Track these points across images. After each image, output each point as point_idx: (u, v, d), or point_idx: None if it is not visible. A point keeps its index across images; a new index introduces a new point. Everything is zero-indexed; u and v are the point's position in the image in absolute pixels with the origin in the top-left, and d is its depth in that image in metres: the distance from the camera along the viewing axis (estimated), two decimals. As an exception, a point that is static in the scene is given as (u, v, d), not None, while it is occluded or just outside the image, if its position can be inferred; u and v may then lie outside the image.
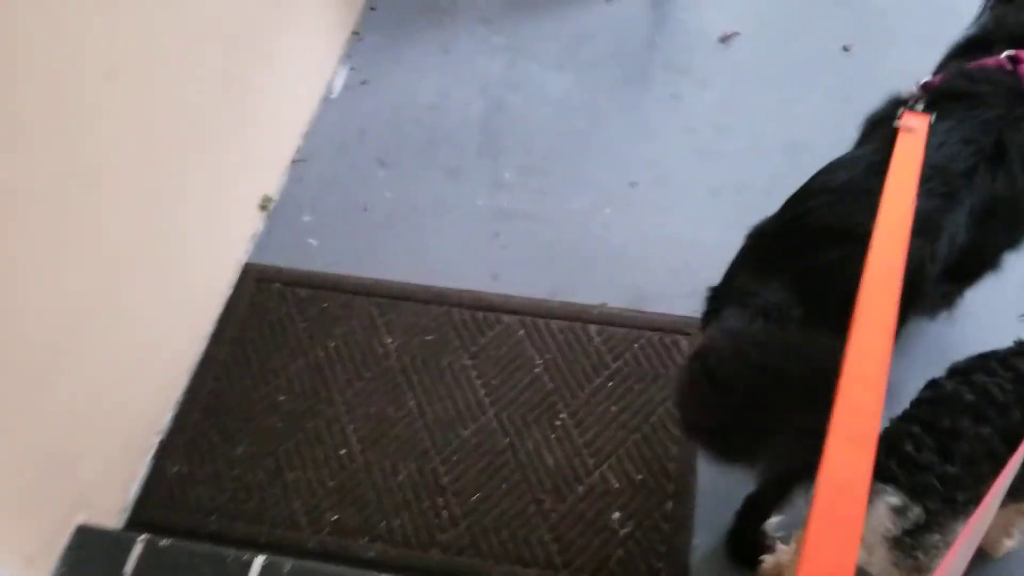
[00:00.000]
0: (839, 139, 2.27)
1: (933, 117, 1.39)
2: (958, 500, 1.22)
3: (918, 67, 2.45)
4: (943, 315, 1.93)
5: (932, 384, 1.35)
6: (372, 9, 2.83)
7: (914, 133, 1.36)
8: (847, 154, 1.51)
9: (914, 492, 1.21)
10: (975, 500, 1.23)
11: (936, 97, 1.46)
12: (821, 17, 2.70)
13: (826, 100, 2.46)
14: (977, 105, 1.42)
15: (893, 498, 1.20)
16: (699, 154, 2.36)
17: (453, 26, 2.76)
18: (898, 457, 1.22)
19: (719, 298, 1.40)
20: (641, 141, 2.40)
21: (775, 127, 2.42)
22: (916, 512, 1.20)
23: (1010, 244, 1.58)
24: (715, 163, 2.34)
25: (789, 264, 1.29)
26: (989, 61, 1.51)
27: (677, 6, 2.74)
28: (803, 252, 1.29)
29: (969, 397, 1.26)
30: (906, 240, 1.16)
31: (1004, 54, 1.49)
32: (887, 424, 1.30)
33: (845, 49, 2.59)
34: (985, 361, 1.37)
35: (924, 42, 2.51)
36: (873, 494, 1.19)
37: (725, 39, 2.63)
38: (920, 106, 1.43)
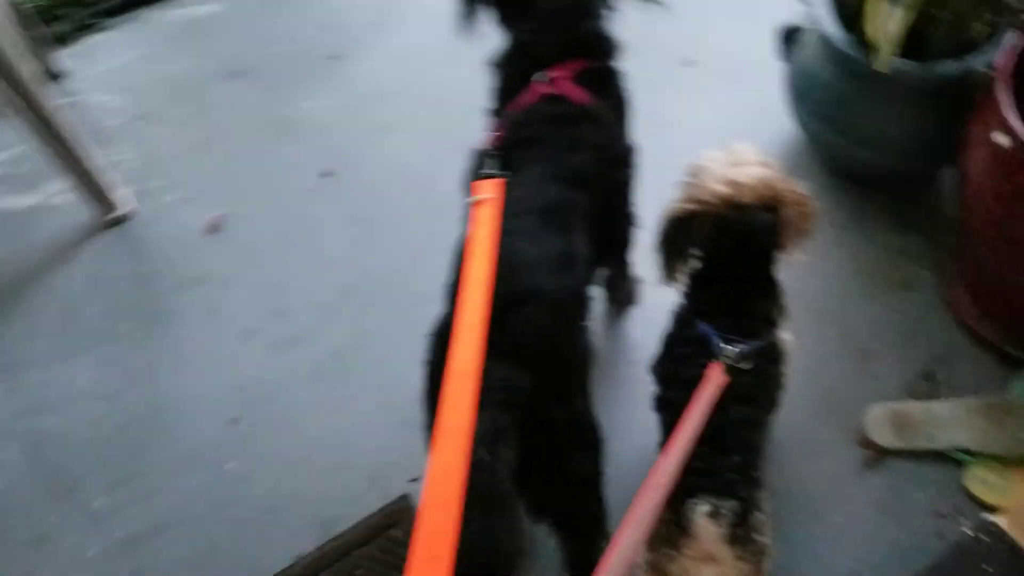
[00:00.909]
0: (383, 265, 2.25)
1: (507, 177, 1.47)
2: (754, 476, 1.40)
3: (401, 165, 2.51)
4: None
5: (666, 402, 1.52)
6: None
7: (486, 205, 1.42)
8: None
9: (720, 492, 1.33)
10: (762, 464, 1.44)
11: (504, 150, 1.54)
12: (281, 156, 2.59)
13: (343, 233, 2.39)
14: (536, 145, 1.52)
15: (704, 506, 1.31)
16: (273, 348, 2.16)
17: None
18: (694, 473, 1.32)
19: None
20: (209, 373, 2.13)
21: (313, 285, 2.29)
22: (730, 504, 1.32)
23: (623, 227, 1.82)
24: (294, 350, 2.15)
25: (492, 341, 1.26)
26: (526, 98, 1.59)
27: (141, 226, 2.45)
28: (496, 325, 1.28)
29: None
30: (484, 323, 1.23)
31: (540, 80, 1.58)
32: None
33: (325, 175, 2.53)
34: (673, 351, 1.55)
35: (376, 131, 2.60)
36: (689, 511, 1.31)
37: (214, 228, 2.42)
38: (493, 168, 1.50)
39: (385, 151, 2.58)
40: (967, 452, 1.81)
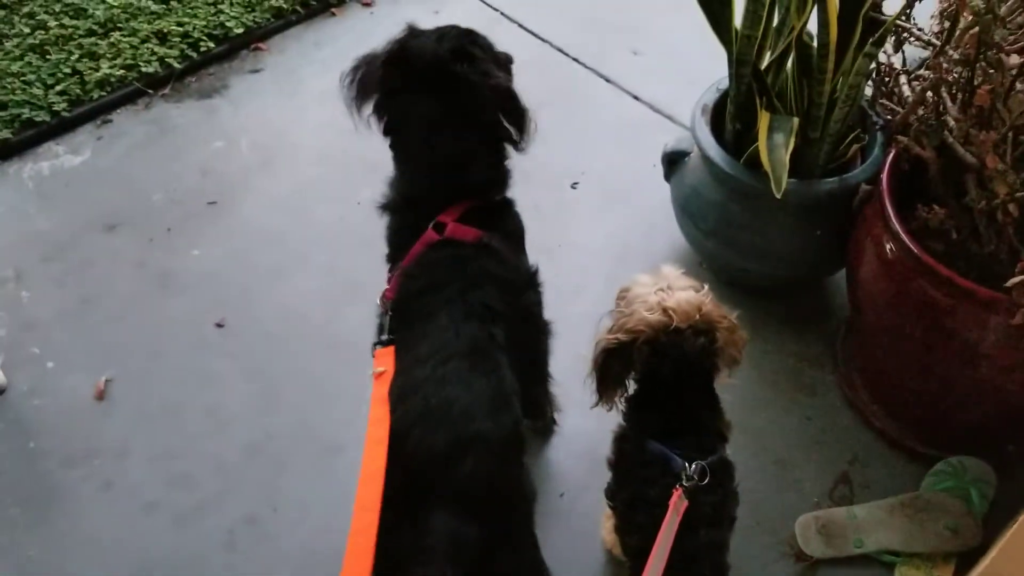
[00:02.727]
0: (287, 418, 2.16)
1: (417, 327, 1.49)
2: None
3: (297, 310, 2.44)
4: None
5: (635, 527, 1.47)
6: None
7: (382, 378, 1.43)
8: None
9: None
10: None
11: (398, 307, 1.55)
12: (168, 311, 2.48)
13: (242, 388, 2.30)
14: (440, 288, 1.52)
15: None
16: (180, 520, 2.02)
17: None
18: None
19: None
20: (113, 555, 1.96)
21: (216, 447, 2.17)
22: None
23: (540, 349, 1.87)
24: (202, 520, 2.02)
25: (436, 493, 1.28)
26: (417, 247, 1.58)
27: (22, 398, 2.27)
28: (440, 477, 1.29)
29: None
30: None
31: (429, 228, 1.58)
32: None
33: (217, 327, 2.44)
34: (631, 475, 1.52)
35: (267, 276, 2.54)
36: None
37: (102, 395, 2.28)
38: (392, 327, 1.52)
39: (279, 297, 2.51)
40: (894, 553, 1.86)
